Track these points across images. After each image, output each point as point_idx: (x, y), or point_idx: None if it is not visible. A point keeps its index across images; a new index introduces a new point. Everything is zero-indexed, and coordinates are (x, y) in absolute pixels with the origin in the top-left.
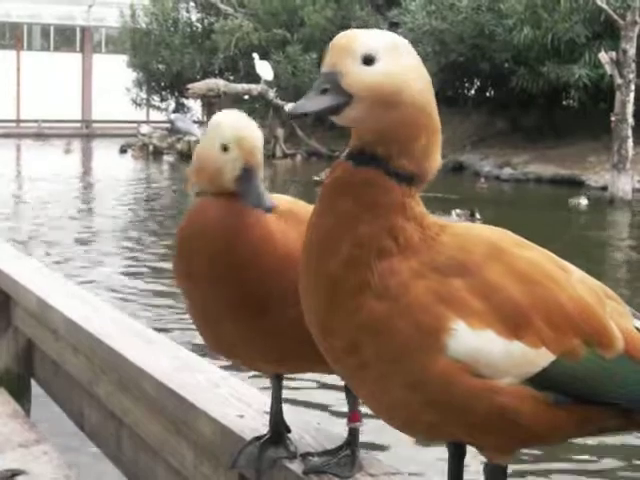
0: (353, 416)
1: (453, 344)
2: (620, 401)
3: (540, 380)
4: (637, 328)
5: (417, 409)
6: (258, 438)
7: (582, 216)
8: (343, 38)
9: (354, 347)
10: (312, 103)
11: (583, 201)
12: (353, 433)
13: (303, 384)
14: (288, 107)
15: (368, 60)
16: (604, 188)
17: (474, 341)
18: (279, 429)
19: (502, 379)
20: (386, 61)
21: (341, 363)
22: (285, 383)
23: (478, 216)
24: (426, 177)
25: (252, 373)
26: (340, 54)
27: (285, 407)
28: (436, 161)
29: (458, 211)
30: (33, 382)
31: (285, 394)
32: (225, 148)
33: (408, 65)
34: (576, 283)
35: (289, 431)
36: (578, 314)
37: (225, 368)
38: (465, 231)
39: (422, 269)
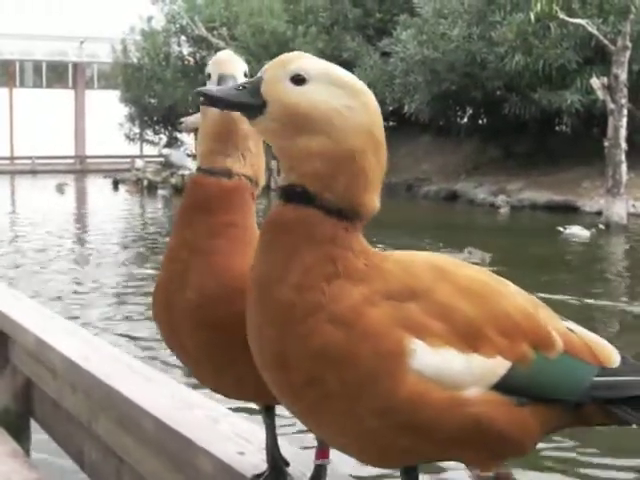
0: (321, 452)
1: (415, 364)
2: (570, 397)
3: (501, 387)
4: (568, 328)
5: (391, 435)
6: (258, 476)
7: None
8: (284, 55)
9: (315, 379)
10: (223, 91)
11: (583, 232)
12: (319, 471)
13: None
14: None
15: (296, 80)
16: (599, 213)
17: (435, 359)
18: (277, 465)
19: (468, 390)
20: (313, 87)
21: (300, 399)
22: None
23: None
24: (358, 215)
25: (252, 410)
26: (272, 65)
27: (285, 441)
28: (369, 202)
29: None
30: (32, 421)
31: (290, 428)
32: (209, 76)
33: (336, 100)
34: (515, 294)
35: (287, 465)
36: (523, 321)
37: (225, 404)
38: (407, 257)
39: (374, 296)
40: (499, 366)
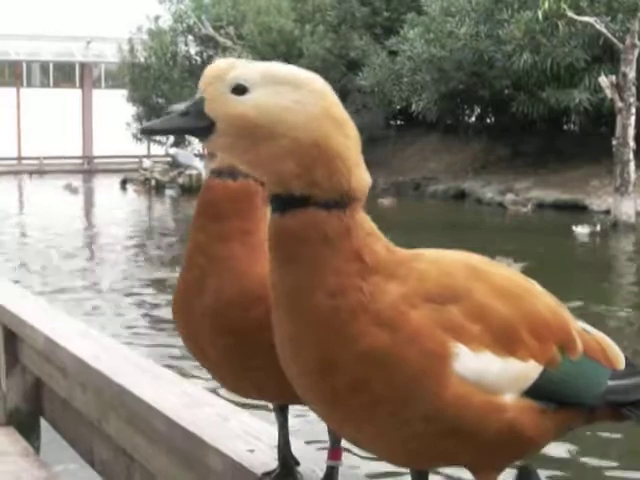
0: (334, 453)
1: (458, 368)
2: (589, 400)
3: (532, 391)
4: (583, 329)
5: (432, 439)
6: (268, 473)
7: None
8: (218, 65)
9: (361, 382)
10: (166, 122)
11: (583, 230)
12: (331, 472)
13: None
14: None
15: (238, 90)
16: (607, 212)
17: (476, 363)
18: (288, 463)
19: (505, 396)
20: (258, 94)
21: (344, 404)
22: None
23: None
24: (354, 196)
25: (262, 407)
26: (210, 80)
27: (296, 440)
28: (358, 180)
29: None
30: (42, 420)
31: (297, 426)
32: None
33: (282, 98)
34: (544, 293)
35: (298, 464)
36: (553, 322)
37: (235, 402)
38: (440, 257)
39: (414, 298)
40: (532, 370)
